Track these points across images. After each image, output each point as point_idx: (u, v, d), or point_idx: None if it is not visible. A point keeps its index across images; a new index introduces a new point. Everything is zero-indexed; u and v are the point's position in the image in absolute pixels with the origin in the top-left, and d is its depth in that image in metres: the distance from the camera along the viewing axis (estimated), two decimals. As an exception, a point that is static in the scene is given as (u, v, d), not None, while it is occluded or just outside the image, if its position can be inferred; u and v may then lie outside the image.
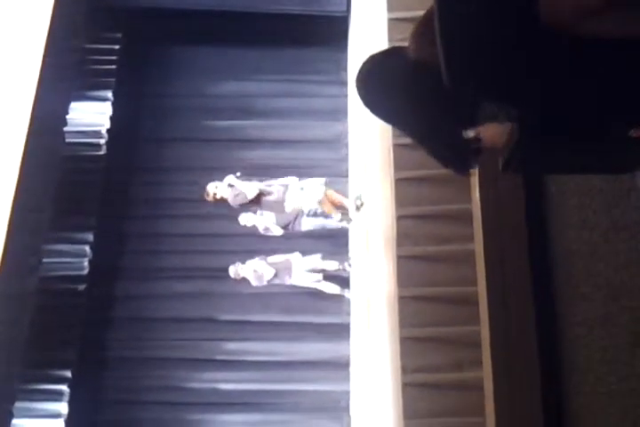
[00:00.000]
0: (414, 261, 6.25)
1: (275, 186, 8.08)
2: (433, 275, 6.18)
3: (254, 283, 7.98)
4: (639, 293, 3.61)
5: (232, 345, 8.42)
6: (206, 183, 8.39)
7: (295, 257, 8.06)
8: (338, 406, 7.96)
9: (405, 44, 1.99)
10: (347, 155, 8.94)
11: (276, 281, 7.99)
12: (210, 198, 8.04)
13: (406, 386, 6.03)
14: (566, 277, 4.61)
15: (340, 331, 8.12)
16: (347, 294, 8.08)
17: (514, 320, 5.04)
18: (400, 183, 6.55)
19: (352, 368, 7.87)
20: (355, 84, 1.93)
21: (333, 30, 9.33)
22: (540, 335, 4.89)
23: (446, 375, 5.93)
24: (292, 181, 8.14)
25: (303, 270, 7.99)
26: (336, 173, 8.92)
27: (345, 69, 9.12)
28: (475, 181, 5.54)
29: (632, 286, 3.67)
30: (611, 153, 1.90)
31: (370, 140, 7.76)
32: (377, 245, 7.28)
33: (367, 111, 1.95)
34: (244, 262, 8.03)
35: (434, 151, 1.95)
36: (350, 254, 8.23)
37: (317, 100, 9.39)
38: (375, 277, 7.23)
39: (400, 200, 6.52)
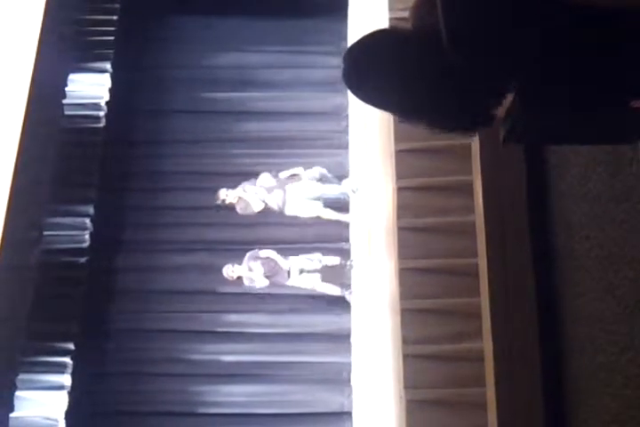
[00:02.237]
0: (414, 233, 6.26)
1: (275, 193, 8.15)
2: (433, 246, 6.19)
3: (248, 284, 8.01)
4: None
5: (233, 317, 8.45)
6: (206, 156, 8.42)
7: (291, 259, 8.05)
8: (339, 378, 8.00)
9: (406, 13, 1.95)
10: (347, 126, 8.89)
11: (274, 282, 8.02)
12: (219, 202, 8.22)
13: (407, 357, 6.07)
14: (566, 248, 4.61)
15: (342, 303, 8.14)
16: (347, 296, 8.05)
17: (514, 292, 5.05)
18: (400, 155, 6.54)
19: (353, 340, 7.90)
20: (342, 75, 1.84)
21: (333, 0, 9.23)
22: (540, 306, 4.90)
23: (447, 346, 5.97)
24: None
25: (300, 272, 7.99)
26: (336, 145, 8.89)
27: (345, 40, 9.03)
28: (475, 152, 5.52)
29: (633, 257, 3.67)
30: (611, 123, 1.89)
31: (370, 111, 7.71)
32: (377, 216, 7.28)
33: (360, 101, 1.87)
34: (239, 263, 8.02)
35: (435, 123, 1.90)
36: (352, 254, 8.17)
37: (318, 72, 9.31)
38: (376, 250, 7.23)
39: (400, 172, 6.51)
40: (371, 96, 1.85)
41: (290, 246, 8.36)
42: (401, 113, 1.91)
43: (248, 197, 8.18)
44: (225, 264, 8.01)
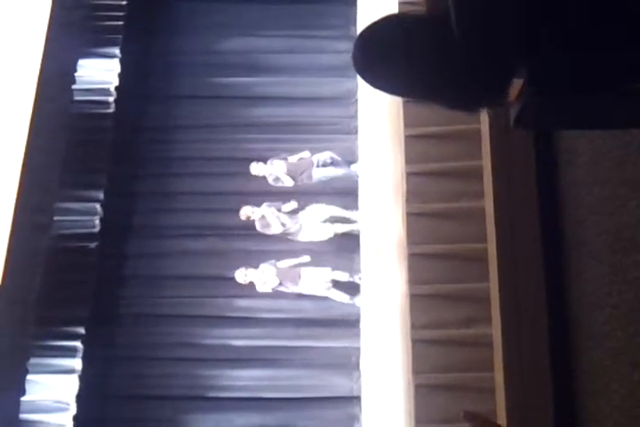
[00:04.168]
0: (423, 218, 6.25)
1: (294, 220, 8.32)
2: (442, 232, 6.19)
3: (260, 289, 8.11)
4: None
5: (243, 302, 8.46)
6: (215, 141, 8.58)
7: (304, 262, 8.15)
8: (348, 363, 8.03)
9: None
10: (356, 112, 8.86)
11: (283, 289, 8.10)
12: (243, 218, 8.34)
13: (415, 342, 6.08)
14: (576, 233, 4.60)
15: (351, 288, 8.16)
16: (355, 301, 8.10)
17: (523, 277, 5.05)
18: (410, 140, 6.53)
19: (362, 325, 7.92)
20: (352, 60, 1.84)
21: (342, -16, 9.19)
22: (549, 292, 4.91)
23: (455, 332, 5.98)
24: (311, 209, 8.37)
25: (311, 280, 8.06)
26: (346, 131, 8.88)
27: (354, 24, 8.99)
28: (485, 137, 5.51)
29: (642, 243, 3.66)
30: (621, 107, 1.88)
31: (379, 96, 7.70)
32: (386, 201, 7.28)
33: (368, 83, 1.87)
34: (251, 267, 8.10)
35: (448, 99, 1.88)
36: (361, 267, 8.21)
37: (326, 56, 9.26)
38: (384, 235, 7.23)
39: (409, 157, 6.50)
40: (380, 81, 1.86)
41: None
42: (410, 98, 1.92)
43: (270, 217, 8.29)
44: (235, 249, 8.05)
